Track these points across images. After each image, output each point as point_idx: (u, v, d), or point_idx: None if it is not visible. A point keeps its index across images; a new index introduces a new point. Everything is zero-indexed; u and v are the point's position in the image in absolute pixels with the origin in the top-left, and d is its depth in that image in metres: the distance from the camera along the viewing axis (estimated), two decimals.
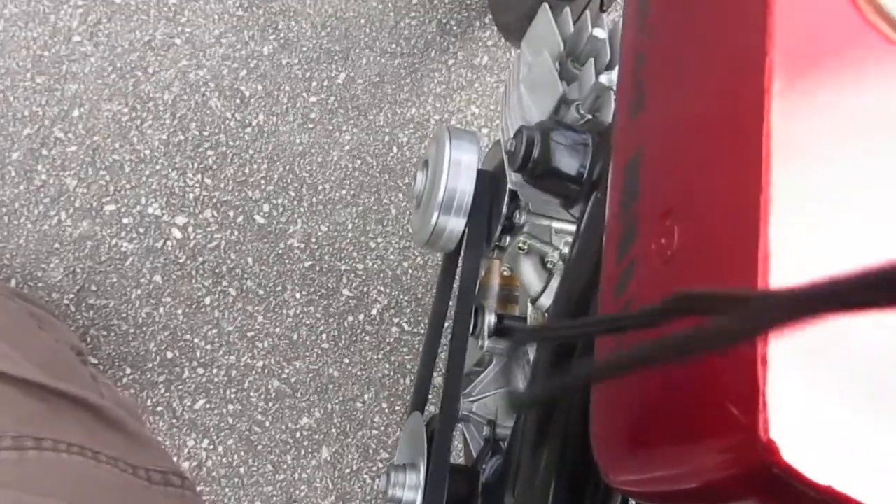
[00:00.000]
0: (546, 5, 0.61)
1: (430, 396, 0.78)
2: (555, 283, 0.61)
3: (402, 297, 1.19)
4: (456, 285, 0.69)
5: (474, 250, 0.65)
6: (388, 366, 1.16)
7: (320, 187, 1.19)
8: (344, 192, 1.20)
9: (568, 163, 0.53)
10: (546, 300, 0.61)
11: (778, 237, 0.25)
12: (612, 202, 0.38)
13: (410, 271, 1.20)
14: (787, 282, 0.26)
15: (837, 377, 0.25)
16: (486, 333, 0.68)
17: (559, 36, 0.60)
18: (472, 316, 0.69)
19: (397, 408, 1.15)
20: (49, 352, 0.70)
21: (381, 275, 1.19)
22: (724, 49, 0.29)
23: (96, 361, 1.06)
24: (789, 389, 0.25)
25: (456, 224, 0.64)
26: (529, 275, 0.62)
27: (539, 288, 0.61)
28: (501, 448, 0.64)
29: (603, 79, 0.54)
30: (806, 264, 0.25)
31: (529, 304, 0.64)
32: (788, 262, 0.25)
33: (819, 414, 0.25)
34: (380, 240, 1.20)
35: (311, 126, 1.21)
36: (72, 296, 1.08)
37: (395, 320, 1.18)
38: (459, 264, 0.68)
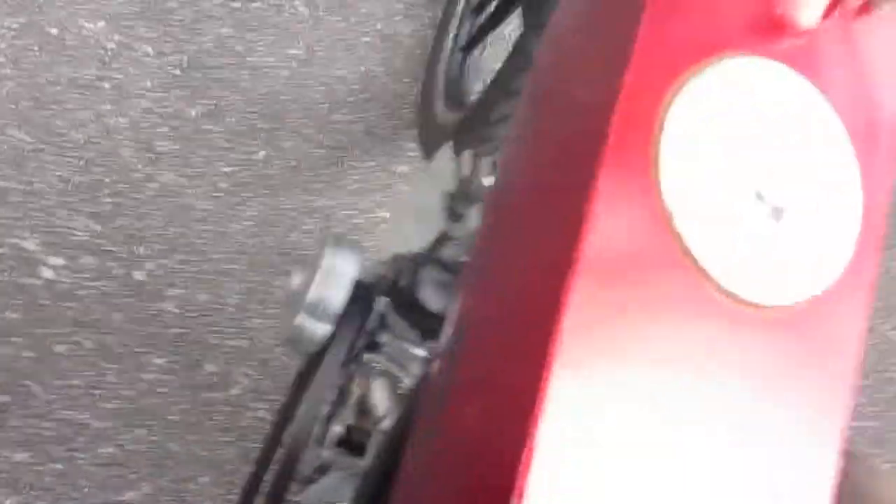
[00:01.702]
0: (450, 144, 0.64)
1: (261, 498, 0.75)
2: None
3: (267, 382, 1.16)
4: None
5: (332, 359, 0.65)
6: (234, 450, 1.11)
7: (211, 256, 1.17)
8: (234, 266, 1.18)
9: (431, 299, 0.54)
10: (388, 424, 0.61)
11: (543, 449, 0.27)
12: (441, 354, 0.39)
13: (283, 358, 1.17)
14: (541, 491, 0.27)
15: None
16: (327, 443, 0.67)
17: (454, 174, 0.63)
18: (323, 423, 0.68)
19: (232, 496, 1.09)
20: None
21: (251, 356, 1.16)
22: (542, 241, 0.32)
23: None
24: None
25: (317, 328, 0.64)
26: (379, 396, 0.62)
27: (384, 411, 0.61)
28: None
29: None
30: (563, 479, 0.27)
31: (374, 426, 0.63)
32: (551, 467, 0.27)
33: None
34: (258, 321, 1.18)
35: (217, 195, 1.20)
36: None
37: (254, 405, 1.14)
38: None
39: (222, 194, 1.20)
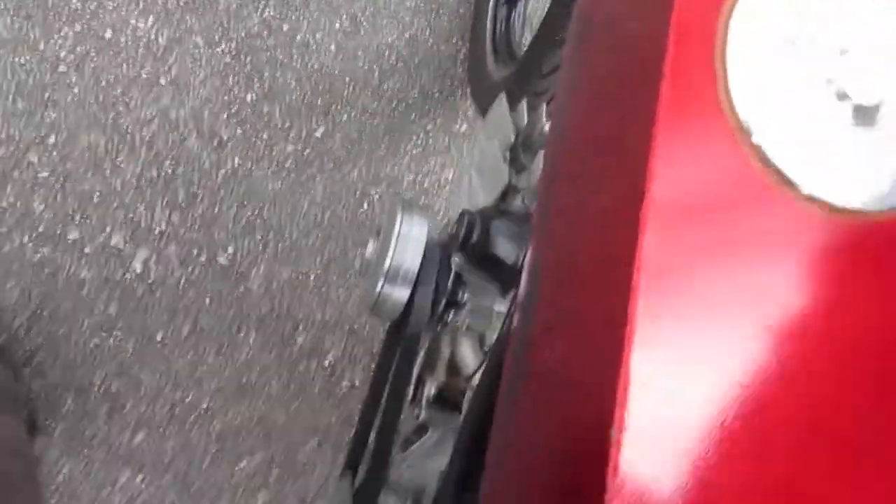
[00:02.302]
0: (503, 95, 0.64)
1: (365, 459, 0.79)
2: None
3: (357, 349, 1.20)
4: None
5: (416, 322, 0.67)
6: (335, 417, 1.16)
7: (287, 234, 1.21)
8: (310, 240, 1.22)
9: (505, 250, 0.55)
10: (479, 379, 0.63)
11: (640, 366, 0.28)
12: (520, 299, 0.40)
13: (368, 325, 1.21)
14: (640, 419, 0.28)
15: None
16: (423, 403, 0.70)
17: (512, 125, 0.63)
18: (414, 384, 0.71)
19: (339, 460, 1.15)
20: None
21: (339, 326, 1.20)
22: (608, 183, 0.32)
23: (38, 387, 1.06)
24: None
25: (399, 294, 0.66)
26: (467, 353, 0.64)
27: (473, 367, 0.63)
28: None
29: None
30: (661, 405, 0.27)
31: (466, 382, 0.65)
32: (649, 392, 0.28)
33: None
34: (341, 291, 1.21)
35: (284, 174, 1.23)
36: (23, 319, 1.08)
37: (347, 373, 1.19)
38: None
39: (289, 173, 1.23)
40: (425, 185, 1.30)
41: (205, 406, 1.11)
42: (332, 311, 1.19)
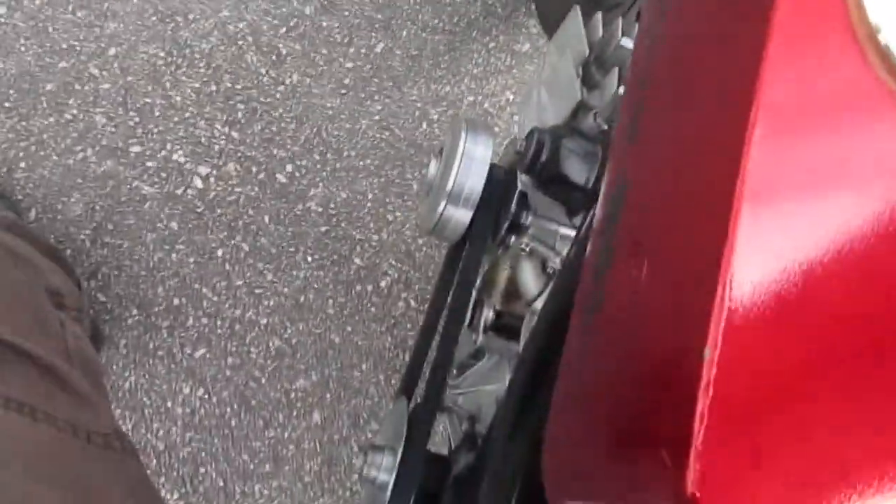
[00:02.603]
0: (577, 8, 0.59)
1: (421, 383, 0.78)
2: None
3: (412, 273, 1.19)
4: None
5: (477, 244, 0.65)
6: (390, 339, 1.16)
7: (345, 153, 1.19)
8: (368, 161, 1.19)
9: (576, 171, 0.52)
10: (541, 305, 0.60)
11: (738, 286, 0.25)
12: (597, 222, 0.37)
13: (425, 249, 1.20)
14: (741, 334, 0.25)
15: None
16: (481, 328, 0.68)
17: (586, 40, 0.58)
18: (471, 308, 0.69)
19: (393, 381, 1.15)
20: (12, 294, 0.66)
21: (395, 248, 1.19)
22: (714, 94, 0.28)
23: (104, 299, 1.08)
24: (719, 448, 0.25)
25: (462, 216, 0.64)
26: (528, 277, 0.62)
27: (535, 292, 0.61)
28: (478, 445, 0.64)
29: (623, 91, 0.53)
30: (763, 318, 0.25)
31: (527, 307, 0.63)
32: (745, 310, 0.25)
33: (743, 473, 0.25)
34: (398, 213, 1.20)
35: (343, 92, 1.20)
36: (88, 232, 1.10)
37: (403, 295, 1.18)
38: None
39: (348, 90, 1.20)
40: (486, 106, 1.25)
41: (263, 323, 1.12)
42: (388, 233, 1.18)
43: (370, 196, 1.18)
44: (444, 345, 0.66)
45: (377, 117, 1.20)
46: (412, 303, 1.18)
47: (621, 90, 0.53)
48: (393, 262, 1.18)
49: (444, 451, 0.70)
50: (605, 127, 0.55)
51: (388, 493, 0.64)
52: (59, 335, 0.67)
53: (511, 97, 1.26)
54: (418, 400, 0.70)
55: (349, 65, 1.20)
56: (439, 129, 1.21)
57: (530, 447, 0.48)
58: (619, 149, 0.37)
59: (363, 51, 1.21)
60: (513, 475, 0.49)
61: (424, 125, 1.21)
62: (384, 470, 0.65)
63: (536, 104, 0.59)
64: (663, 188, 0.30)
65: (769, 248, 0.25)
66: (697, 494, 0.24)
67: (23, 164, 1.10)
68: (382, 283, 1.17)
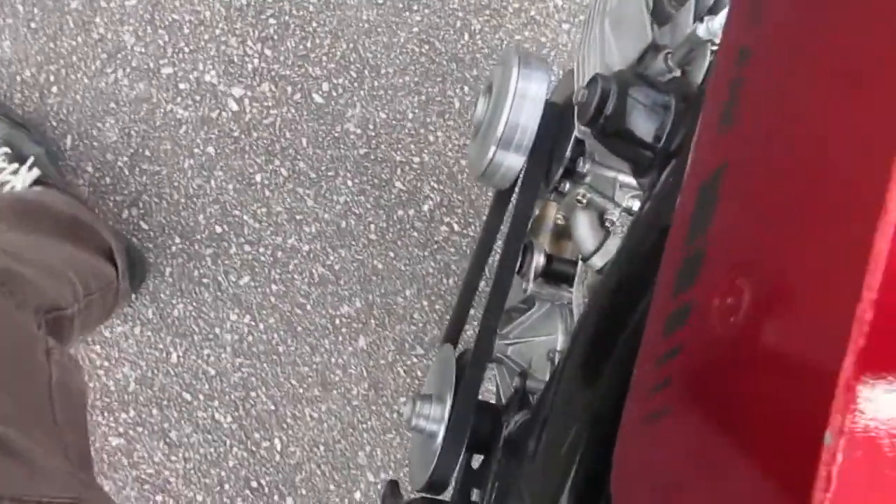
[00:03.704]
0: None
1: (466, 329, 0.76)
2: (610, 244, 0.56)
3: (455, 196, 1.15)
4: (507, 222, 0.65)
5: (530, 190, 0.61)
6: (433, 264, 1.14)
7: (383, 71, 1.13)
8: (407, 78, 1.14)
9: (643, 126, 0.47)
10: (599, 260, 0.57)
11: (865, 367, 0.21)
12: (680, 219, 0.33)
13: (468, 171, 1.15)
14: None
15: None
16: (531, 275, 0.65)
17: None
18: (520, 254, 0.66)
19: (437, 307, 1.14)
20: None
21: (437, 171, 1.15)
22: (860, 61, 0.23)
23: (147, 227, 1.07)
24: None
25: (514, 161, 0.59)
26: (584, 230, 0.58)
27: (592, 246, 0.57)
28: (530, 402, 0.62)
29: (701, 30, 0.47)
30: None
31: (580, 261, 0.60)
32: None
33: None
34: (439, 133, 1.15)
35: (380, 2, 1.13)
36: (126, 158, 1.07)
37: (446, 219, 1.15)
38: (512, 201, 0.64)
39: (384, 1, 1.13)
40: (532, 13, 1.17)
41: (306, 250, 1.11)
42: (429, 155, 1.14)
43: (410, 116, 1.13)
44: (496, 293, 0.63)
45: (416, 29, 1.13)
46: (455, 227, 1.15)
47: (699, 29, 0.47)
48: (435, 185, 1.14)
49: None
50: (678, 72, 0.49)
51: (439, 442, 0.63)
52: (41, 374, 0.62)
53: (559, 3, 1.17)
54: (462, 348, 0.68)
55: None
56: (482, 41, 1.14)
57: (591, 427, 0.46)
58: (707, 133, 0.32)
59: None
60: (570, 455, 0.47)
61: (466, 37, 1.14)
62: (433, 420, 0.64)
63: (599, 40, 0.53)
64: (777, 191, 0.25)
65: None
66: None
67: (54, 90, 1.07)
68: (425, 208, 1.14)
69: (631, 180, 0.58)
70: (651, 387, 0.32)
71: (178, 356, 1.05)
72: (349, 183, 1.12)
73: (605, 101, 0.47)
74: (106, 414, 1.01)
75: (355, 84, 1.13)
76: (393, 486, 0.73)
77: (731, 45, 0.32)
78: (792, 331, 0.23)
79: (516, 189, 0.63)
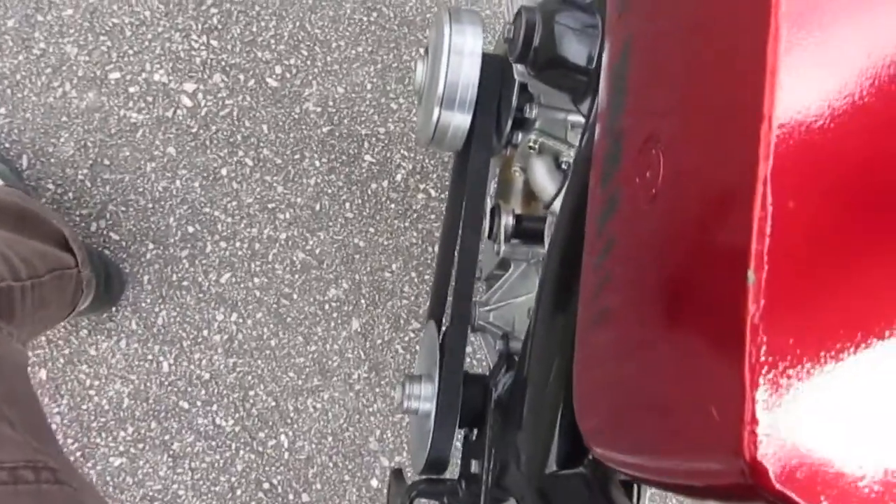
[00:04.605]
0: None
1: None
2: None
3: (427, 161, 1.12)
4: None
5: (482, 148, 0.58)
6: (415, 234, 1.12)
7: (334, 45, 1.10)
8: (360, 49, 1.10)
9: (575, 50, 0.44)
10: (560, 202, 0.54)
11: (782, 165, 0.19)
12: (602, 111, 0.31)
13: (417, 139, 1.12)
14: (785, 238, 0.20)
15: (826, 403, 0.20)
16: (502, 237, 0.62)
17: None
18: (489, 217, 0.63)
19: (426, 276, 1.12)
20: None
21: (405, 138, 1.11)
22: None
23: (117, 237, 1.05)
24: (778, 415, 0.20)
25: (460, 119, 0.56)
26: (542, 176, 0.55)
27: (552, 191, 0.54)
28: (515, 363, 0.60)
29: None
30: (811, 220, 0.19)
31: (546, 209, 0.57)
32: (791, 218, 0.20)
33: (807, 437, 0.20)
34: (401, 100, 1.11)
35: None
36: (85, 171, 1.05)
37: (421, 186, 1.12)
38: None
39: None
40: None
41: (283, 238, 1.08)
42: (395, 123, 1.11)
43: (368, 86, 1.10)
44: (465, 259, 0.61)
45: None
46: (432, 192, 1.12)
47: None
48: (405, 153, 1.11)
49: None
50: None
51: (432, 419, 0.62)
52: None
53: None
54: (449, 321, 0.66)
55: None
56: (430, 0, 1.10)
57: (570, 359, 0.44)
58: (612, 18, 0.30)
59: None
60: (555, 390, 0.45)
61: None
62: (424, 399, 0.62)
63: None
64: (671, 57, 0.24)
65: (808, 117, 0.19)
66: (762, 463, 0.19)
67: (2, 110, 1.04)
68: (398, 177, 1.11)
69: (581, 119, 0.54)
70: (594, 289, 0.31)
71: (170, 364, 1.03)
72: (317, 163, 1.09)
73: (531, 33, 0.44)
74: (104, 434, 0.99)
75: (308, 62, 1.09)
76: (397, 474, 0.72)
77: None
78: (705, 176, 0.22)
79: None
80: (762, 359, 0.18)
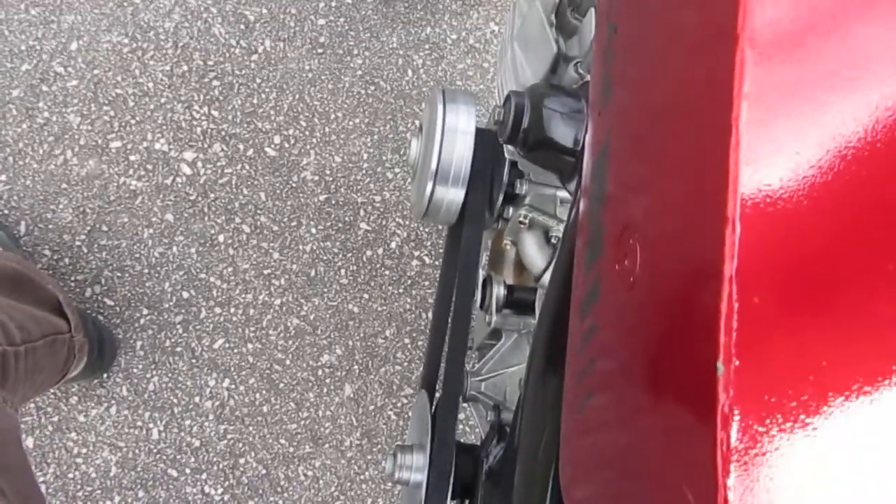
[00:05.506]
0: None
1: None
2: None
3: (422, 229, 1.14)
4: None
5: (475, 222, 0.60)
6: (409, 300, 1.13)
7: (332, 116, 1.13)
8: (357, 120, 1.13)
9: (562, 132, 0.46)
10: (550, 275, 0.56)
11: (746, 265, 0.20)
12: (584, 202, 0.32)
13: (412, 213, 1.14)
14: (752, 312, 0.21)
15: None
16: (494, 308, 0.64)
17: None
18: (480, 288, 0.65)
19: (420, 342, 1.13)
20: None
21: (400, 206, 1.14)
22: (692, 36, 0.23)
23: (112, 303, 1.05)
24: (749, 500, 0.21)
25: (454, 195, 0.58)
26: (532, 250, 0.57)
27: (542, 265, 0.56)
28: (506, 434, 0.60)
29: None
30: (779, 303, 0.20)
31: (536, 282, 0.58)
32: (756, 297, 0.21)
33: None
34: (397, 170, 1.14)
35: (320, 51, 1.13)
36: (83, 237, 1.06)
37: (416, 253, 1.14)
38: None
39: (325, 49, 1.13)
40: (471, 41, 1.17)
41: (278, 304, 1.09)
42: (390, 192, 1.13)
43: (365, 156, 1.13)
44: (457, 329, 0.62)
45: (359, 72, 1.13)
46: (426, 259, 1.14)
47: None
48: (400, 221, 1.13)
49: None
50: (589, 77, 0.49)
51: (423, 490, 0.62)
52: None
53: (496, 28, 1.17)
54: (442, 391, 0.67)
55: (321, 21, 1.13)
56: (426, 75, 1.14)
57: (559, 431, 0.45)
58: (593, 119, 0.32)
59: (333, 4, 1.13)
60: (546, 460, 0.46)
61: (410, 73, 1.14)
62: (415, 469, 0.62)
63: (511, 63, 0.53)
64: (644, 153, 0.26)
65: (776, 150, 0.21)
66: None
67: (3, 178, 1.06)
68: (392, 244, 1.13)
69: (567, 193, 0.57)
70: (579, 372, 0.32)
71: (159, 431, 1.03)
72: (313, 230, 1.11)
73: (520, 116, 0.46)
74: None
75: (306, 133, 1.12)
76: None
77: (600, 36, 0.32)
78: (676, 270, 0.23)
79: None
80: (732, 445, 0.19)
